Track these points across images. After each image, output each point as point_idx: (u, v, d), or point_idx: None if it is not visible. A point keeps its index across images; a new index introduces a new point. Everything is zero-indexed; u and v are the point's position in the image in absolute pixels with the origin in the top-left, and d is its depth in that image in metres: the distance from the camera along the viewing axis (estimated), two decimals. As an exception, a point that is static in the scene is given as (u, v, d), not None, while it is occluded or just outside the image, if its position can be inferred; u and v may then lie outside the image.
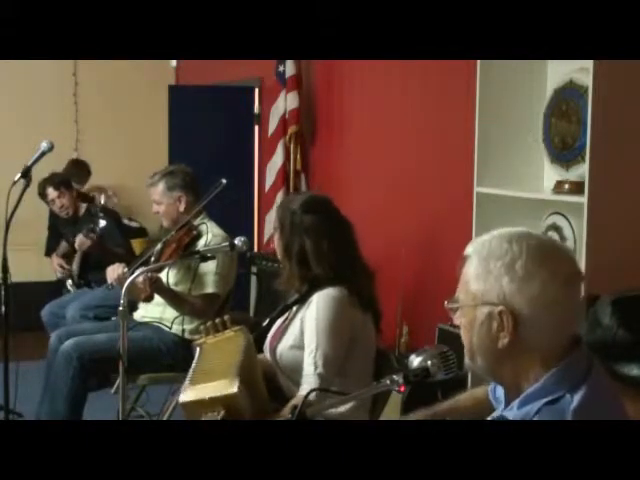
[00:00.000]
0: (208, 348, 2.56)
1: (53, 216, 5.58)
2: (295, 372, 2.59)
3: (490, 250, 1.53)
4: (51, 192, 5.17)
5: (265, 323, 2.71)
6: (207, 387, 2.35)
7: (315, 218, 2.62)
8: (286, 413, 2.45)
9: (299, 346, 2.59)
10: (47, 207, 6.29)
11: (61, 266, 5.19)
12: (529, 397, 1.50)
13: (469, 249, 1.59)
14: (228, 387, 2.30)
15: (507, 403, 1.60)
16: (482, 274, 1.52)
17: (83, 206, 5.28)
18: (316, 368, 2.50)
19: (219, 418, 2.26)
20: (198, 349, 2.56)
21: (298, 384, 2.56)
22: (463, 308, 1.57)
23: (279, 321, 2.74)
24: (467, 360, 1.59)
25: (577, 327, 1.58)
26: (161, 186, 3.84)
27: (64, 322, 4.66)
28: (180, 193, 3.83)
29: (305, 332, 2.57)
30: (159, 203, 3.87)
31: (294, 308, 2.69)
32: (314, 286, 2.61)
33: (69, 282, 5.20)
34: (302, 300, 2.66)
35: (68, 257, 5.24)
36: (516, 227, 1.59)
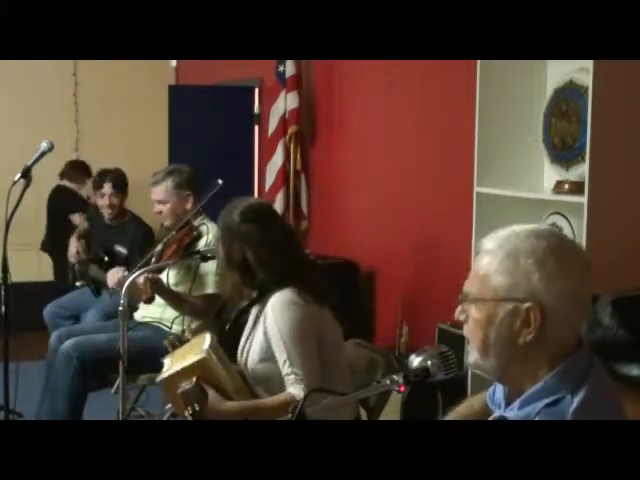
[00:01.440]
0: (175, 355, 2.62)
1: (92, 215, 5.42)
2: (270, 383, 2.58)
3: (517, 245, 1.50)
4: (108, 188, 5.04)
5: (227, 327, 2.72)
6: (180, 362, 2.47)
7: (252, 227, 2.62)
8: (276, 401, 2.48)
9: (267, 358, 2.57)
10: (46, 205, 6.31)
11: (78, 252, 5.00)
12: (530, 397, 1.50)
13: (490, 243, 1.54)
14: (197, 354, 2.41)
15: (508, 403, 1.59)
16: (508, 269, 1.49)
17: (127, 215, 5.18)
18: (296, 375, 2.48)
19: (192, 383, 2.34)
20: (166, 361, 2.60)
21: (275, 394, 2.55)
22: (479, 302, 1.53)
23: (245, 333, 2.74)
24: (476, 357, 1.55)
25: (583, 326, 1.59)
26: (168, 184, 3.78)
27: (64, 323, 4.65)
28: (188, 192, 3.81)
29: (271, 343, 2.55)
30: (164, 202, 3.80)
31: (254, 318, 2.69)
32: (263, 291, 2.62)
33: (77, 267, 5.10)
34: (254, 305, 2.67)
35: (84, 238, 5.14)
36: (531, 224, 1.57)
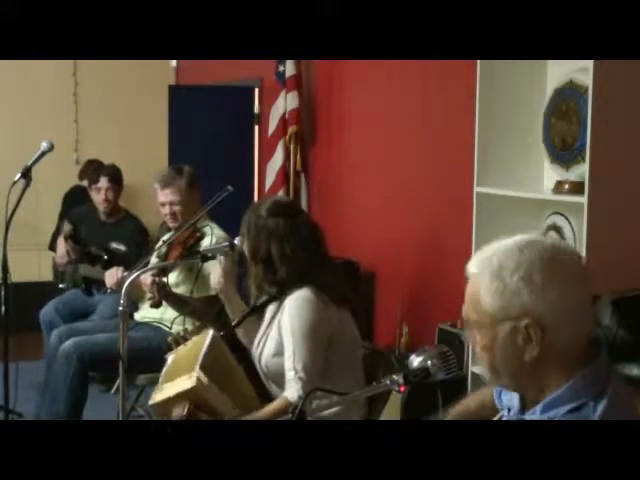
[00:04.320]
0: (177, 356, 2.62)
1: (83, 214, 5.35)
2: (282, 379, 2.60)
3: (501, 264, 1.49)
4: (104, 182, 4.96)
5: (234, 323, 2.72)
6: (172, 385, 2.44)
7: (278, 221, 2.65)
8: (272, 408, 2.48)
9: (281, 353, 2.60)
10: (49, 206, 6.30)
11: (68, 252, 4.90)
12: (553, 402, 1.49)
13: (474, 267, 1.53)
14: (188, 381, 2.38)
15: (523, 407, 1.59)
16: (497, 290, 1.48)
17: (122, 212, 5.13)
18: (296, 373, 2.51)
19: (185, 413, 2.31)
20: (170, 358, 2.60)
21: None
22: (480, 330, 1.52)
23: (261, 330, 2.76)
24: (489, 378, 1.56)
25: (592, 327, 1.57)
26: (181, 184, 3.72)
27: (61, 322, 4.62)
28: (197, 191, 3.79)
29: (283, 338, 2.59)
30: (178, 203, 3.71)
31: (271, 314, 2.72)
32: (283, 288, 2.63)
33: (64, 268, 4.96)
34: (273, 301, 2.69)
35: (70, 239, 4.96)
36: (514, 234, 1.55)
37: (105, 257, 4.67)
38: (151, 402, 2.47)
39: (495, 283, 1.48)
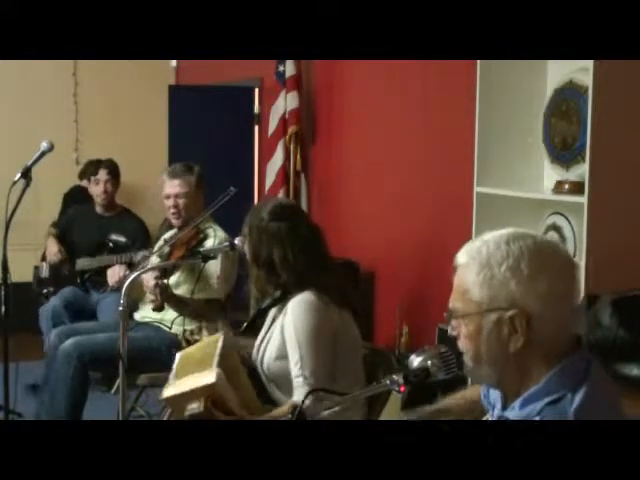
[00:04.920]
0: (188, 351, 2.61)
1: (79, 210, 5.30)
2: (284, 382, 2.59)
3: (489, 255, 1.50)
4: (103, 174, 4.97)
5: (242, 328, 2.72)
6: (187, 380, 2.40)
7: (280, 225, 2.64)
8: (280, 412, 2.46)
9: (284, 356, 2.58)
10: (49, 206, 6.29)
11: (60, 250, 4.81)
12: (531, 397, 1.50)
13: (462, 257, 1.55)
14: (207, 377, 2.35)
15: (505, 404, 1.59)
16: (486, 280, 1.49)
17: (119, 207, 5.14)
18: (305, 378, 2.49)
19: (202, 408, 2.30)
20: (178, 355, 2.60)
21: (288, 393, 2.56)
22: (465, 318, 1.53)
23: (262, 332, 2.75)
24: (471, 367, 1.56)
25: (577, 322, 1.58)
26: (191, 179, 3.72)
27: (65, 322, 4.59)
28: (203, 190, 3.78)
29: (287, 342, 2.57)
30: (183, 196, 3.71)
31: (272, 317, 2.71)
32: (286, 291, 2.62)
33: (45, 266, 4.82)
34: (275, 305, 2.68)
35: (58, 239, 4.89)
36: (503, 229, 1.56)
37: (111, 245, 4.68)
38: (164, 395, 2.42)
39: (483, 273, 1.50)
